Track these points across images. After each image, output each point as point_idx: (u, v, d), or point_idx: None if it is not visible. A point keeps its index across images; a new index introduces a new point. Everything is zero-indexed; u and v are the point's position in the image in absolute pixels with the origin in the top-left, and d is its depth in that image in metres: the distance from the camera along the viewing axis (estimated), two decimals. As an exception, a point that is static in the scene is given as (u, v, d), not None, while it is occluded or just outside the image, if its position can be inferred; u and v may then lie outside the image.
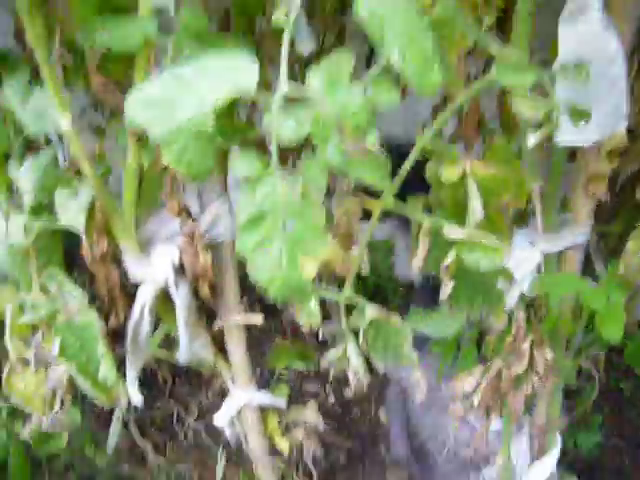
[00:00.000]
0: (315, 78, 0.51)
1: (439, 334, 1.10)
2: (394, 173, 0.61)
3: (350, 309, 0.77)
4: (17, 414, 1.37)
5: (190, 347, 1.02)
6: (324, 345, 1.51)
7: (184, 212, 0.90)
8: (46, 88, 0.71)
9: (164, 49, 0.67)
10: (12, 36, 0.98)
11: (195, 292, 0.96)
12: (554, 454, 1.09)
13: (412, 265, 0.68)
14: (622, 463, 1.65)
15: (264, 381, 1.76)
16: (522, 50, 0.69)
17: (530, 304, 0.89)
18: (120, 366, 0.92)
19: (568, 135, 0.69)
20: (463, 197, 0.68)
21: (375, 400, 1.80)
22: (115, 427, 1.58)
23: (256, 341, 1.73)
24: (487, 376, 0.88)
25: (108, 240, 0.87)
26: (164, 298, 0.95)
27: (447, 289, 0.68)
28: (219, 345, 1.11)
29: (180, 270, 0.91)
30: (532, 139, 0.65)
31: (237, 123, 0.84)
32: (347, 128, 0.51)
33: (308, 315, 0.75)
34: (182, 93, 0.52)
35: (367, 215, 0.71)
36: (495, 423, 1.04)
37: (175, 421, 1.77)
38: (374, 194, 0.68)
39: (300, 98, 0.53)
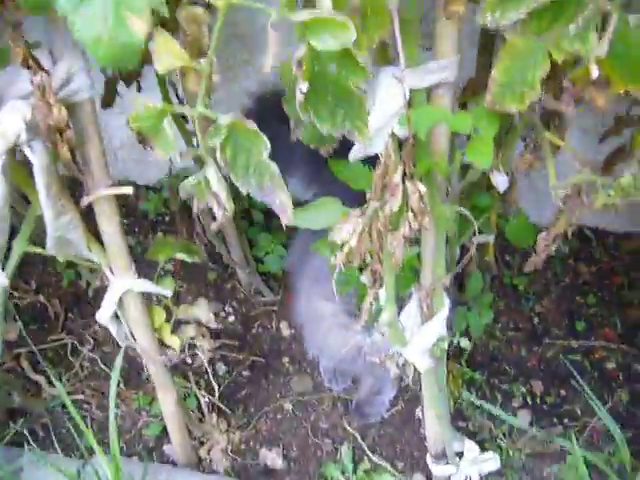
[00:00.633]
0: None
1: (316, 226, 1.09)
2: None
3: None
4: None
5: (57, 225, 0.97)
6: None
7: (35, 63, 0.84)
8: None
9: None
10: None
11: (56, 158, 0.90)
12: (442, 315, 1.09)
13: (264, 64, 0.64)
14: (519, 354, 1.69)
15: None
16: None
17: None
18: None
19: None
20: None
21: (276, 315, 1.78)
22: None
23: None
24: (363, 219, 0.87)
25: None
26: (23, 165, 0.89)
27: (301, 93, 0.65)
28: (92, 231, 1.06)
29: (34, 128, 0.85)
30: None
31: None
32: None
33: (164, 144, 0.71)
34: None
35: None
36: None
37: (70, 353, 1.70)
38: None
39: None
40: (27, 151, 0.85)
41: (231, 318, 1.78)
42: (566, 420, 1.56)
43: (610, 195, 0.93)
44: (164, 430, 1.52)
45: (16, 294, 1.79)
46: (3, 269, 1.07)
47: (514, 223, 1.29)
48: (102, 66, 0.58)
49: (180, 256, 1.18)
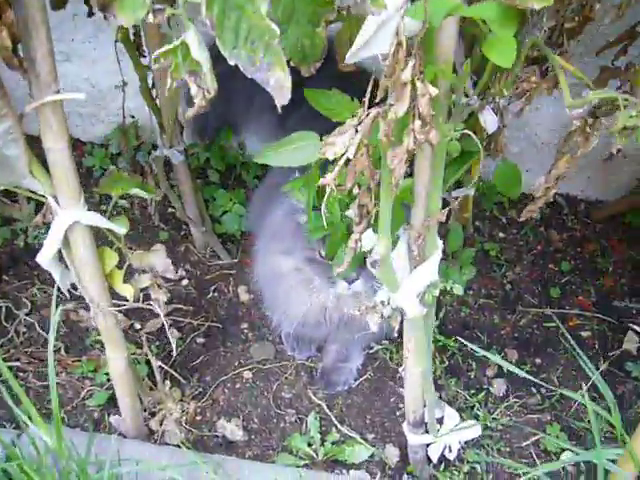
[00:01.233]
0: None
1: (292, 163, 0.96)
2: None
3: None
4: None
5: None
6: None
7: None
8: None
9: None
10: None
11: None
12: (435, 258, 0.98)
13: None
14: (492, 322, 1.60)
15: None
16: None
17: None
18: None
19: None
20: None
21: (234, 279, 1.64)
22: None
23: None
24: (362, 127, 0.74)
25: None
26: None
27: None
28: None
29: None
30: None
31: None
32: None
33: (131, 2, 0.56)
34: None
35: None
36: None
37: (4, 318, 1.53)
38: None
39: None
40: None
41: (184, 282, 1.63)
42: (543, 390, 1.47)
43: (632, 116, 0.83)
44: (110, 400, 1.37)
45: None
46: None
47: (502, 168, 1.18)
48: None
49: (135, 192, 1.03)
